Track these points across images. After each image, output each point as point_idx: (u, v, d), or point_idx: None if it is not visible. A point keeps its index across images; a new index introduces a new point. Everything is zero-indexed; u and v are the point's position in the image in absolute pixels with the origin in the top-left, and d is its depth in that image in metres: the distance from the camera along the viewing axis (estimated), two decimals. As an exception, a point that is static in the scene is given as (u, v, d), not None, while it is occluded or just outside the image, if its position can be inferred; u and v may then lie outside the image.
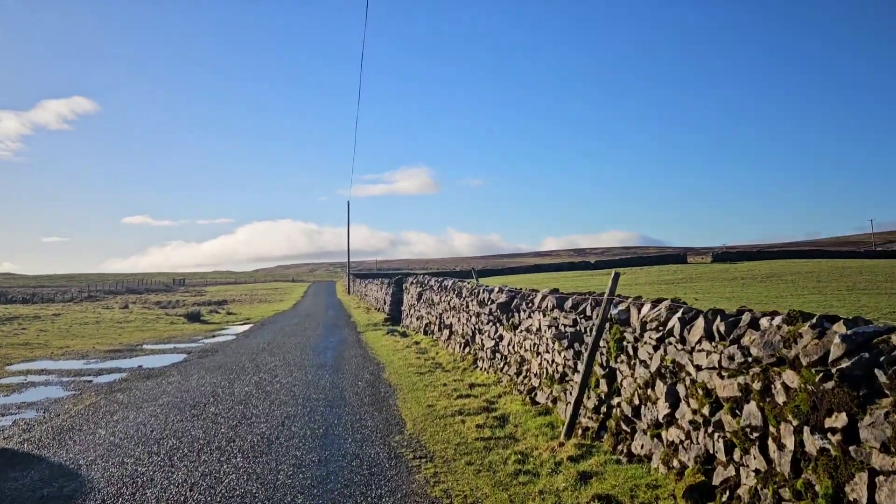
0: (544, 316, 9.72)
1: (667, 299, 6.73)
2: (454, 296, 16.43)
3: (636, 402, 6.68)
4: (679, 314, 6.01)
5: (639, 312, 6.89)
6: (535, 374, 9.81)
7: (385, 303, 31.42)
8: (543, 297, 10.01)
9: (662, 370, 6.17)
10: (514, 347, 11.26)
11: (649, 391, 6.40)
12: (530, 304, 10.66)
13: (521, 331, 10.87)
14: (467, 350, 13.96)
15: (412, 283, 22.67)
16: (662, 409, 6.07)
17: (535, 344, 10.09)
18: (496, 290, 12.83)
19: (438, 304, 18.49)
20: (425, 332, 19.48)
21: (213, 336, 24.42)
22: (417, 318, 21.06)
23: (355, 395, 11.30)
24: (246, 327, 28.39)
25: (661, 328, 6.32)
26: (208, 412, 10.20)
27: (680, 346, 5.93)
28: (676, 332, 5.96)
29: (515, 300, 11.49)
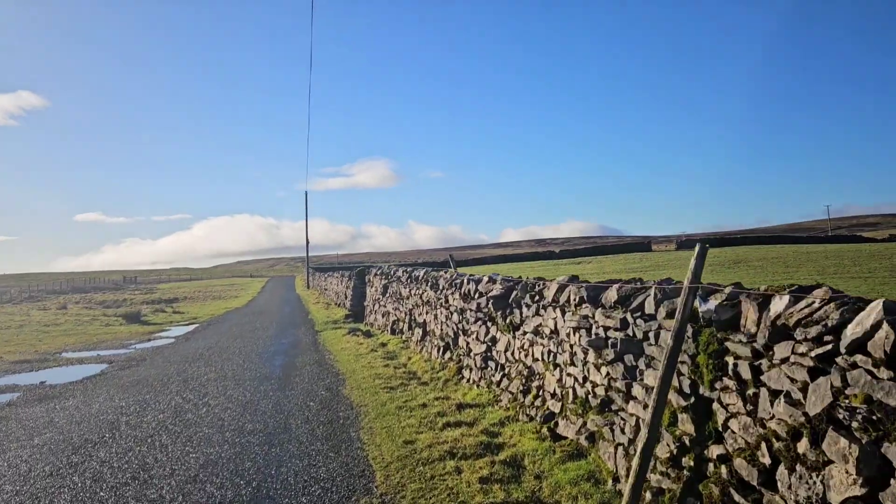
0: (564, 314, 6.91)
1: (823, 286, 3.96)
2: (428, 288, 13.56)
3: (764, 459, 3.92)
4: (877, 314, 3.23)
5: (760, 310, 4.12)
6: (555, 396, 6.99)
7: (346, 297, 28.38)
8: (561, 288, 7.19)
9: (839, 412, 3.39)
10: (514, 354, 8.46)
11: (803, 447, 3.63)
12: (538, 298, 7.84)
13: (526, 333, 8.05)
14: (448, 356, 11.11)
15: (376, 274, 19.72)
16: (841, 484, 3.31)
17: (550, 353, 7.28)
18: (485, 280, 9.99)
19: (408, 298, 15.60)
20: (393, 332, 16.57)
21: (149, 339, 21.12)
22: (383, 315, 18.15)
23: (305, 422, 8.34)
24: (189, 328, 25.09)
25: (825, 336, 3.56)
26: (94, 459, 7.12)
27: (879, 371, 3.17)
28: (875, 346, 3.20)
29: (515, 293, 8.66)
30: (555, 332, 7.19)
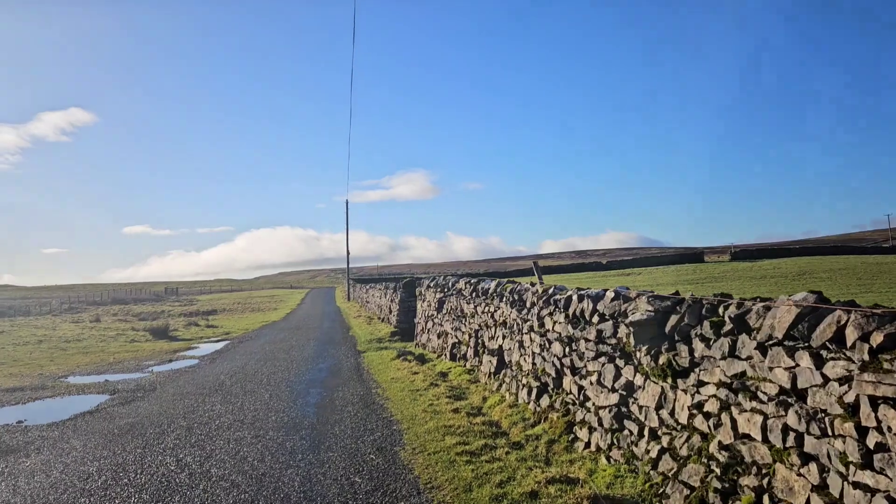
0: (821, 362, 3.67)
1: None
2: (504, 305, 10.36)
3: None
4: None
5: None
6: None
7: (391, 312, 25.34)
8: (807, 317, 3.92)
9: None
10: (680, 416, 5.21)
11: None
12: (736, 328, 4.60)
13: (704, 385, 4.83)
14: (545, 402, 7.85)
15: (429, 287, 16.61)
16: None
17: (787, 430, 4.01)
18: (610, 296, 6.73)
19: (473, 316, 12.43)
20: (452, 357, 13.42)
21: (171, 360, 18.35)
22: (439, 336, 15.01)
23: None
24: (219, 345, 22.32)
25: None
26: None
27: None
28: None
29: (677, 317, 5.42)
30: (795, 392, 3.94)
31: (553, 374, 7.71)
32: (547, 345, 8.02)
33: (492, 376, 10.35)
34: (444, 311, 14.72)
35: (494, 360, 10.35)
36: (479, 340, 11.80)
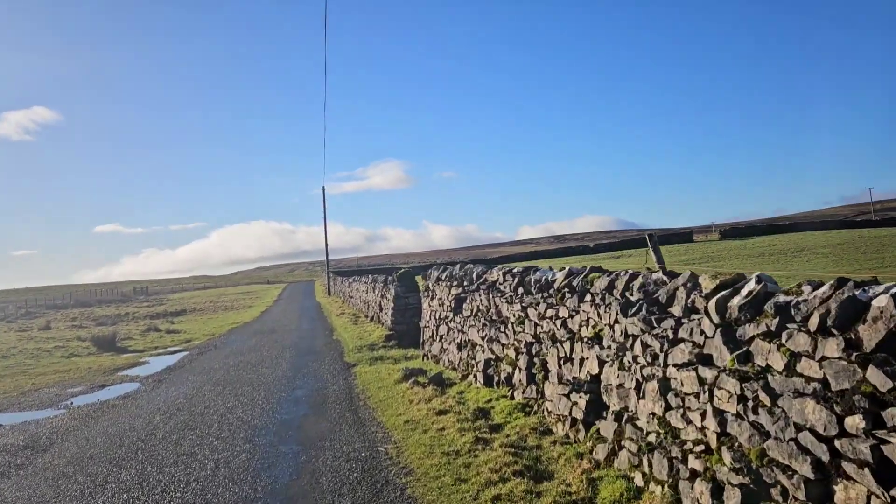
0: None
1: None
2: (597, 309, 6.20)
3: None
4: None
5: None
6: None
7: (381, 309, 21.10)
8: None
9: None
10: None
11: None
12: None
13: None
14: (700, 484, 3.79)
15: (439, 280, 12.33)
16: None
17: None
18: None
19: (521, 322, 8.28)
20: (488, 380, 9.27)
21: (104, 385, 13.98)
22: (461, 347, 10.81)
23: None
24: (174, 358, 17.94)
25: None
26: None
27: None
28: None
29: None
30: None
31: (808, 470, 3.54)
32: (768, 402, 3.83)
33: (580, 427, 6.22)
34: (468, 314, 10.52)
35: (583, 400, 6.21)
36: (539, 361, 7.66)
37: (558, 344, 7.11)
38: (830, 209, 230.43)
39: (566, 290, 7.03)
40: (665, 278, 5.13)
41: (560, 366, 7.04)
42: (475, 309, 10.24)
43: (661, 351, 4.80)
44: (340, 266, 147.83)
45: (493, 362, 9.26)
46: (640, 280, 5.38)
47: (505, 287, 8.99)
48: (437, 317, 12.34)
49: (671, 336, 4.72)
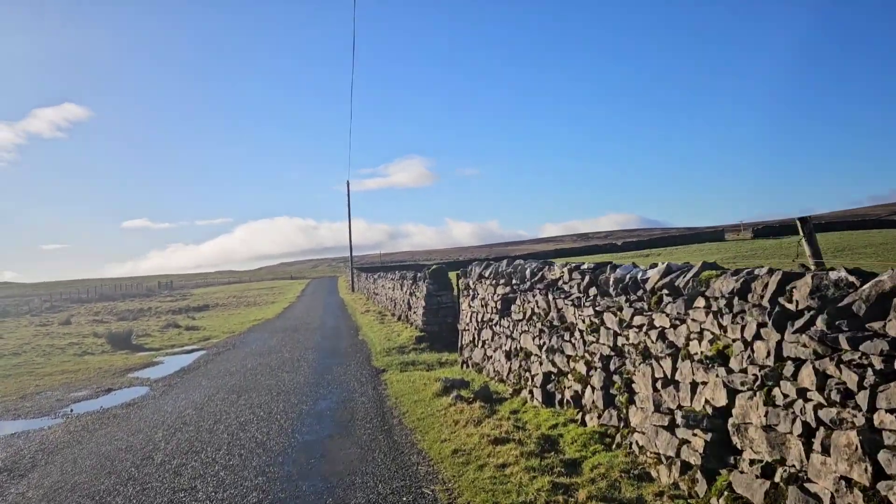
0: None
1: None
2: (719, 319, 4.64)
3: None
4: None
5: None
6: None
7: (410, 308, 19.62)
8: None
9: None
10: None
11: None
12: None
13: None
14: None
15: (482, 277, 10.73)
16: None
17: None
18: None
19: (594, 331, 6.71)
20: (548, 398, 7.71)
21: (111, 389, 12.68)
22: (510, 355, 9.25)
23: None
24: (190, 359, 16.63)
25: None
26: None
27: None
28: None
29: None
30: None
31: None
32: None
33: (697, 476, 4.63)
34: (520, 317, 8.95)
35: (700, 439, 4.63)
36: (621, 379, 6.09)
37: (653, 361, 5.53)
38: (861, 209, 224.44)
39: (664, 292, 5.45)
40: (852, 279, 3.52)
41: (656, 389, 5.47)
42: (528, 312, 8.67)
43: (862, 386, 3.21)
44: (363, 262, 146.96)
45: (554, 377, 7.69)
46: (808, 281, 3.77)
47: (571, 287, 7.41)
48: (479, 319, 10.78)
49: (882, 367, 3.13)
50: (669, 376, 5.31)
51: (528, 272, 8.88)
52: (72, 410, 10.84)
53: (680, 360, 5.17)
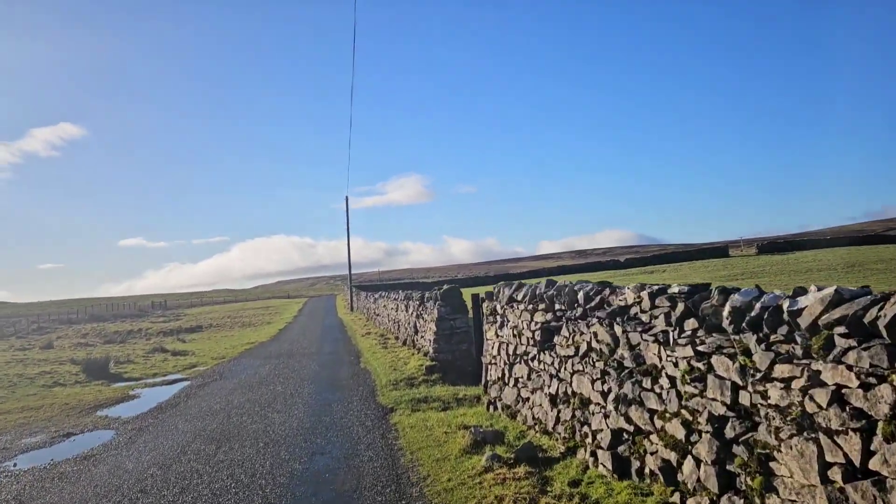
0: None
1: None
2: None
3: None
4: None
5: None
6: None
7: (417, 332, 17.66)
8: None
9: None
10: None
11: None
12: None
13: None
14: None
15: (513, 301, 8.73)
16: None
17: None
18: None
19: (688, 379, 4.82)
20: (620, 466, 5.76)
21: (69, 435, 10.69)
22: (556, 401, 7.24)
23: None
24: (169, 392, 14.64)
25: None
26: None
27: None
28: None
29: None
30: None
31: None
32: None
33: None
34: (571, 352, 6.99)
35: None
36: (748, 455, 4.18)
37: (819, 435, 3.63)
38: (857, 224, 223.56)
39: (840, 331, 3.55)
40: None
41: (828, 480, 3.55)
42: (583, 347, 6.75)
43: None
44: (362, 280, 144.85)
45: (628, 437, 5.75)
46: None
47: (653, 317, 5.50)
48: (511, 352, 8.84)
49: None
50: (858, 463, 3.40)
51: (580, 295, 6.96)
52: (14, 465, 8.87)
53: (882, 438, 3.26)
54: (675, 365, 5.13)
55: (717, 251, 79.01)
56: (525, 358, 8.40)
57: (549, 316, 7.76)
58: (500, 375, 9.26)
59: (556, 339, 7.57)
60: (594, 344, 6.55)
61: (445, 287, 14.49)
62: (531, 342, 8.19)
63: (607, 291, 6.59)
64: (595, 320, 6.55)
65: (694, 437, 4.85)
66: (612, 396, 6.04)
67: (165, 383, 16.34)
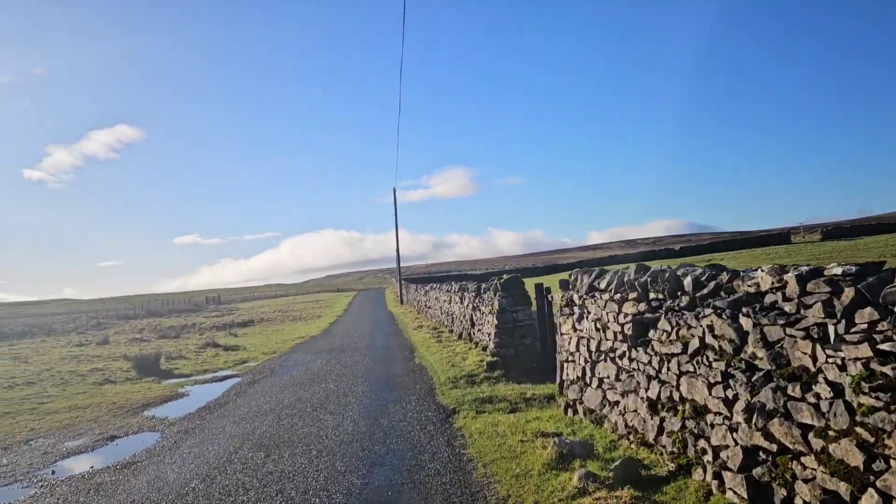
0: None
1: None
2: None
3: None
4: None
5: None
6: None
7: (473, 325, 16.63)
8: None
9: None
10: None
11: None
12: None
13: None
14: None
15: (594, 290, 7.63)
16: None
17: None
18: None
19: (873, 387, 3.62)
20: (757, 495, 4.60)
21: (111, 439, 10.03)
22: (655, 406, 6.14)
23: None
24: (219, 389, 13.98)
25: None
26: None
27: None
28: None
29: None
30: None
31: None
32: None
33: None
34: (676, 350, 5.83)
35: None
36: None
37: None
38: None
39: None
40: None
41: None
42: (694, 343, 5.57)
43: None
44: (409, 273, 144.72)
45: (768, 457, 4.57)
46: None
47: (809, 308, 4.28)
48: (594, 348, 7.69)
49: None
50: None
51: (686, 281, 5.77)
52: (53, 472, 8.19)
53: None
54: (841, 368, 3.93)
55: (777, 237, 75.64)
56: (612, 355, 7.24)
57: (643, 306, 6.58)
58: (579, 375, 8.11)
59: (651, 333, 6.39)
60: (709, 340, 5.37)
61: (506, 277, 13.38)
62: (619, 337, 7.02)
63: (725, 276, 5.39)
64: (710, 311, 5.36)
65: (878, 465, 3.66)
66: (740, 405, 4.86)
67: (215, 380, 15.72)
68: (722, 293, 5.35)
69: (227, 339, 29.02)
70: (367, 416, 9.73)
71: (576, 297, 8.28)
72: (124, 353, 22.51)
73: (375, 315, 37.99)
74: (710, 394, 5.30)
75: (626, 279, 7.03)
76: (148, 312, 62.30)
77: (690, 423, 5.55)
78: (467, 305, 17.76)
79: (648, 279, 6.57)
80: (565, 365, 8.65)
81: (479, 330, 15.90)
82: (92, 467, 8.28)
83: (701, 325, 5.51)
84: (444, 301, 23.54)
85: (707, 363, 5.38)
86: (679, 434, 5.69)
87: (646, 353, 6.47)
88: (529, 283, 13.57)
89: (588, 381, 7.87)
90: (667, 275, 6.23)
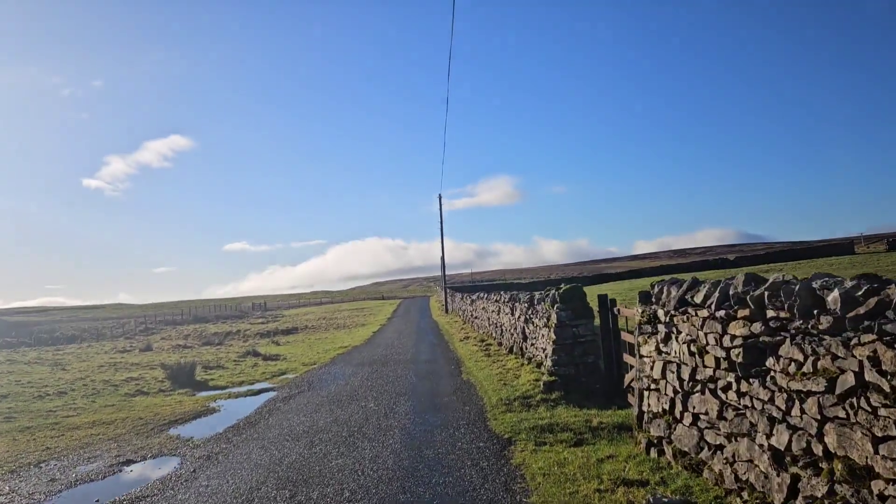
0: None
1: None
2: None
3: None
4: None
5: None
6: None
7: (526, 339, 15.23)
8: None
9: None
10: None
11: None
12: None
13: None
14: None
15: (686, 303, 6.25)
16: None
17: None
18: None
19: None
20: None
21: (127, 462, 8.99)
22: (782, 459, 4.72)
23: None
24: (252, 405, 12.91)
25: None
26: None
27: None
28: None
29: None
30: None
31: None
32: None
33: None
34: (818, 389, 4.39)
35: None
36: None
37: None
38: None
39: None
40: None
41: None
42: (848, 379, 4.11)
43: None
44: (454, 281, 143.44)
45: None
46: None
47: None
48: (687, 376, 6.25)
49: None
50: None
51: (832, 297, 4.32)
52: (52, 508, 7.16)
53: None
54: None
55: (838, 248, 71.83)
56: (712, 386, 5.80)
57: (758, 327, 5.14)
58: (666, 408, 6.66)
59: (771, 361, 4.95)
60: (870, 377, 3.92)
61: (564, 287, 11.94)
62: (724, 364, 5.58)
63: (893, 289, 3.94)
64: (872, 337, 3.91)
65: None
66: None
67: (250, 394, 14.69)
68: (889, 313, 3.90)
69: (268, 347, 28.23)
70: (409, 446, 8.46)
71: (661, 312, 6.84)
72: (162, 362, 21.79)
73: (420, 324, 36.81)
74: (876, 452, 3.84)
75: (731, 292, 5.59)
76: (195, 318, 62.58)
77: (843, 489, 4.09)
78: (518, 317, 16.36)
79: (766, 292, 5.12)
80: (646, 394, 7.20)
81: (532, 344, 14.49)
82: (97, 501, 7.22)
83: (855, 357, 4.06)
84: (493, 311, 22.17)
85: (869, 409, 3.93)
86: (825, 502, 4.23)
87: (764, 387, 5.02)
88: (590, 294, 12.13)
89: (678, 415, 6.41)
90: (795, 287, 4.77)
